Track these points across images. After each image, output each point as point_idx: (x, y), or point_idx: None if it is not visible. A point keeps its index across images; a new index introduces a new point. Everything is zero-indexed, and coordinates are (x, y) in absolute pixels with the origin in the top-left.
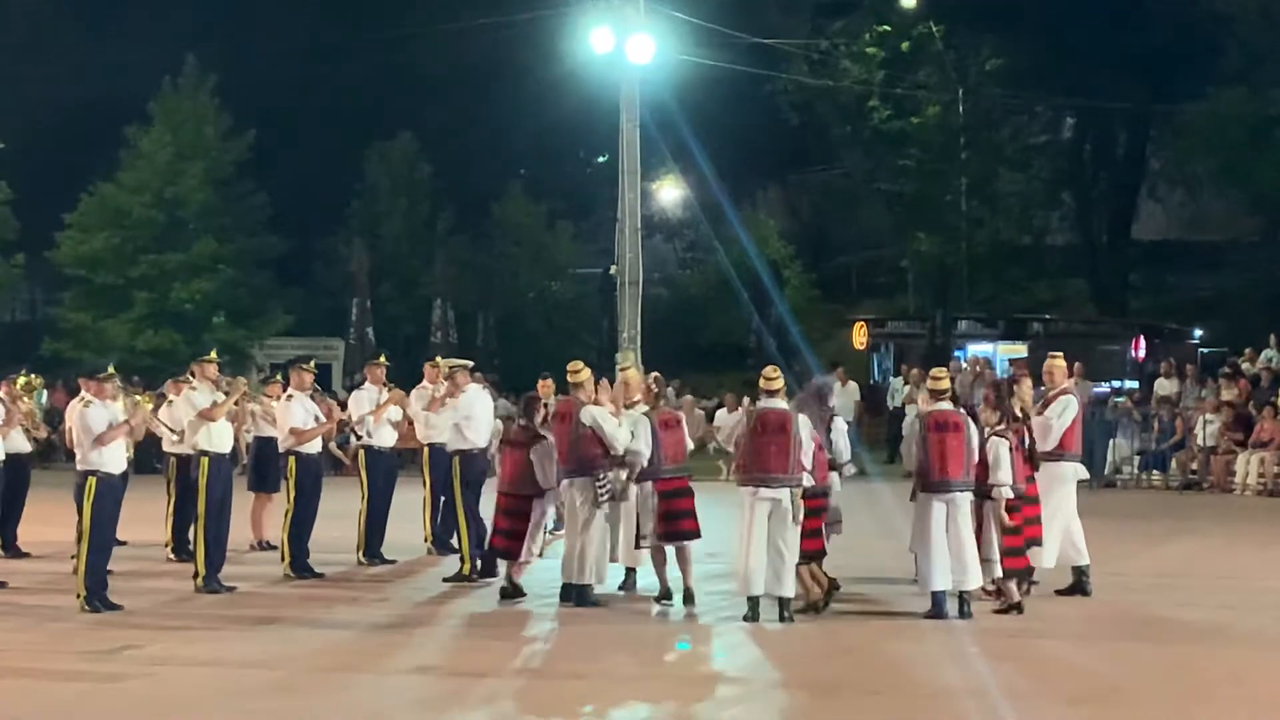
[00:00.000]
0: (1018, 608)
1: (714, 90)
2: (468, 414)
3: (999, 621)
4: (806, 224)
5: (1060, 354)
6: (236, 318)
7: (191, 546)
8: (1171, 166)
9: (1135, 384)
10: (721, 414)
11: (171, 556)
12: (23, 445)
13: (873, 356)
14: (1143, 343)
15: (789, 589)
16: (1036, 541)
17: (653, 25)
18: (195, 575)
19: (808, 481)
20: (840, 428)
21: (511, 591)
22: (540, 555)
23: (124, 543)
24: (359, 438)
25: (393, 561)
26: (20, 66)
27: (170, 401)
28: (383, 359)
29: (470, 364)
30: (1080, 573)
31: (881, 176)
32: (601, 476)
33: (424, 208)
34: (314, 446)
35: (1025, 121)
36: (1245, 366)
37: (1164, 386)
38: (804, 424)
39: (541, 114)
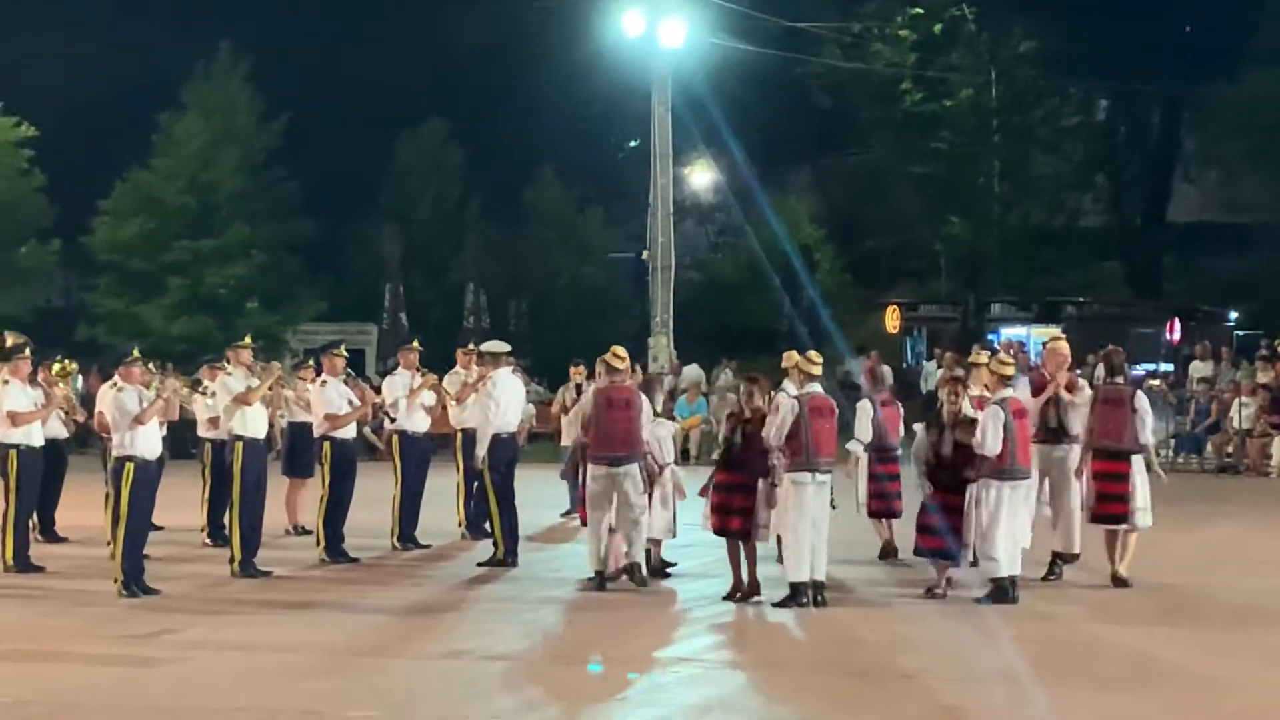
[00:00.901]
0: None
1: (745, 74)
2: (496, 398)
3: (1031, 605)
4: (838, 207)
5: (1062, 336)
6: (269, 303)
7: (227, 531)
8: (1205, 148)
9: (1170, 367)
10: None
11: (207, 541)
12: (59, 430)
13: (905, 340)
14: (1177, 325)
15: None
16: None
17: (684, 9)
18: (231, 560)
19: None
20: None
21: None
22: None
23: (160, 527)
24: (392, 421)
25: (427, 546)
26: (54, 53)
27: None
28: (415, 344)
29: (508, 348)
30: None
31: (913, 160)
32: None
33: (455, 192)
34: (348, 431)
35: (1058, 104)
36: None
37: (1199, 369)
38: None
39: (573, 98)
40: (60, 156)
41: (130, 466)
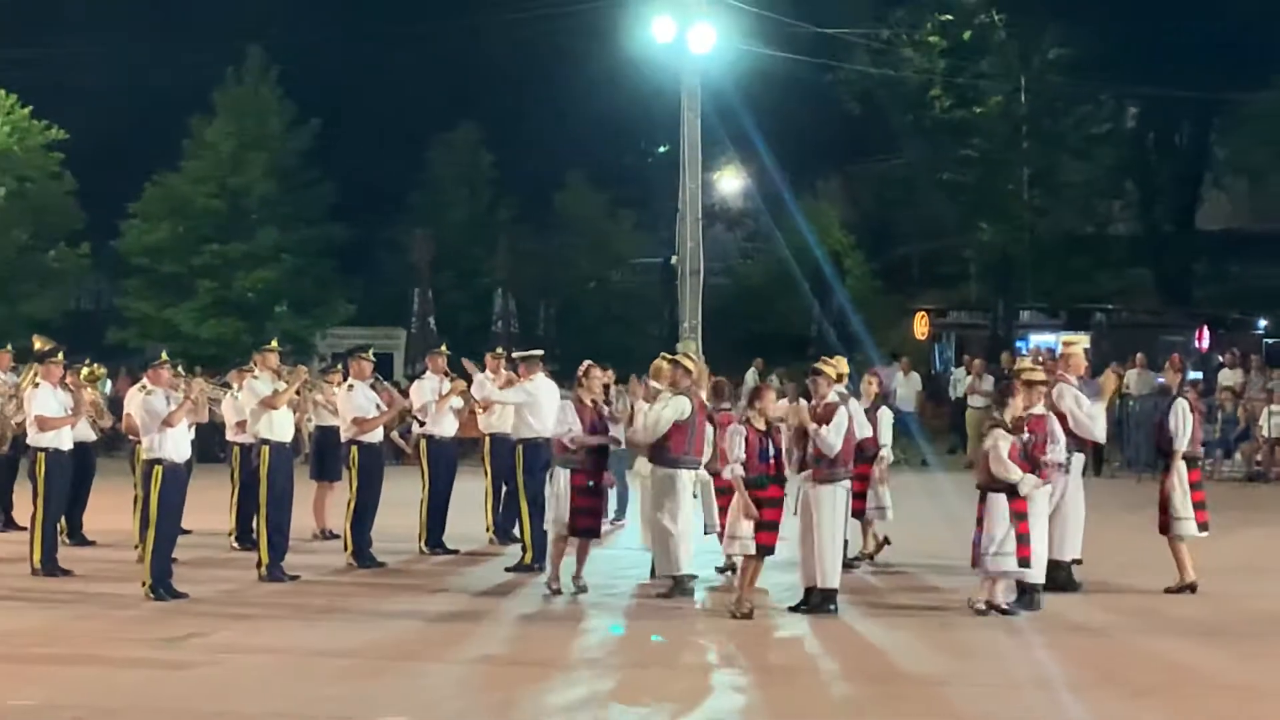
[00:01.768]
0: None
1: (774, 80)
2: (532, 402)
3: (1061, 613)
4: (867, 214)
5: (1076, 340)
6: (299, 307)
7: (255, 535)
8: (1235, 155)
9: (1199, 375)
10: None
11: (235, 545)
12: (88, 434)
13: (934, 346)
14: (1207, 333)
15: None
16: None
17: (714, 15)
18: (258, 564)
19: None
20: (886, 417)
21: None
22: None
23: (188, 531)
24: (420, 426)
25: (455, 551)
26: (84, 57)
27: (234, 393)
28: (444, 348)
29: (540, 353)
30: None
31: (943, 166)
32: None
33: (485, 197)
34: (376, 435)
35: (1088, 110)
36: None
37: (1228, 377)
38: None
39: (602, 104)
40: (91, 160)
41: (159, 469)
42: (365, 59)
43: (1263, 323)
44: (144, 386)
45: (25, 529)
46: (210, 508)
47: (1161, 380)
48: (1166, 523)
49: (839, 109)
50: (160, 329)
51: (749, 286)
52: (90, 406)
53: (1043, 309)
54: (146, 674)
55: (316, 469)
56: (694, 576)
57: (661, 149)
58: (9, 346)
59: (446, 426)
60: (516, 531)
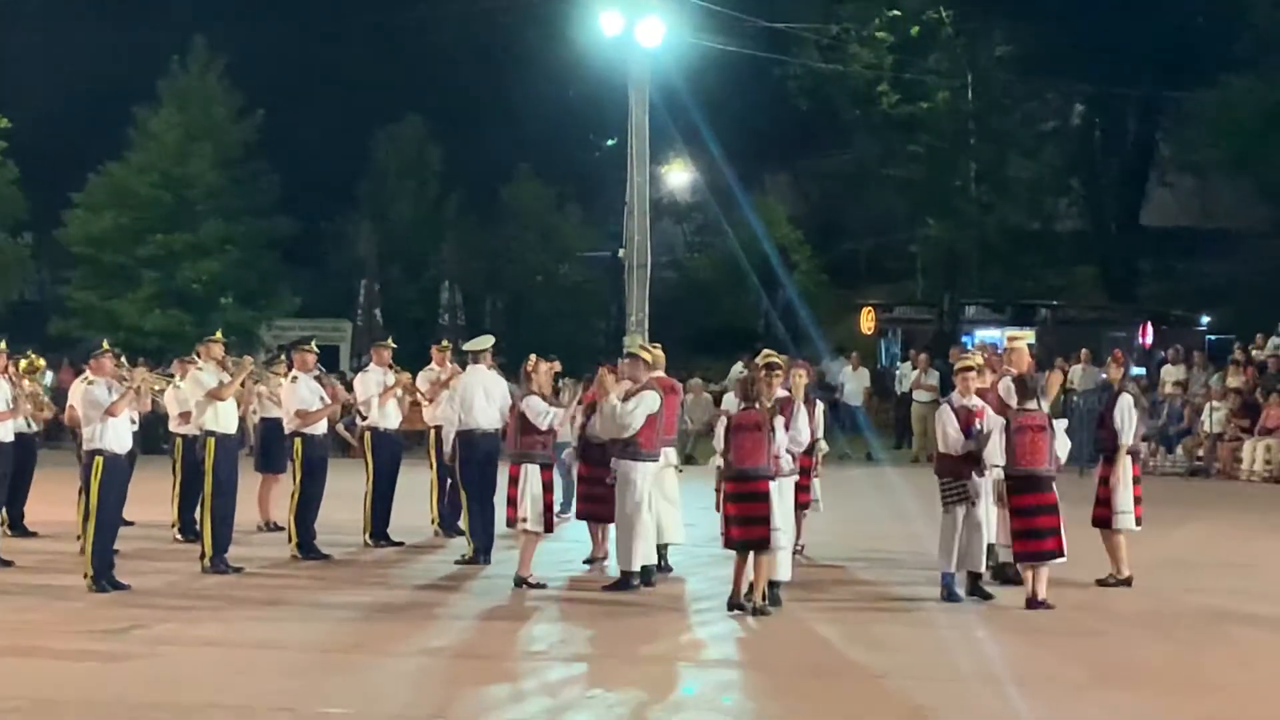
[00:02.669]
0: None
1: (723, 74)
2: (466, 395)
3: (1003, 607)
4: (816, 208)
5: (1021, 336)
6: (244, 299)
7: (198, 527)
8: (1181, 153)
9: (1143, 371)
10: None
11: (178, 537)
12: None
13: (880, 342)
14: (1150, 329)
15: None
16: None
17: (662, 8)
18: (202, 556)
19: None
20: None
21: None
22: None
23: (130, 523)
24: (363, 419)
25: (400, 544)
26: (29, 45)
27: (177, 383)
28: (389, 341)
29: (490, 342)
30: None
31: (891, 162)
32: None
33: (432, 190)
34: (319, 428)
35: (1035, 107)
36: (1253, 353)
37: (1171, 373)
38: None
39: (551, 96)
40: (34, 149)
41: (100, 460)
42: (312, 50)
43: (1206, 320)
44: (87, 378)
45: None
46: (153, 499)
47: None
48: (1106, 516)
49: (788, 104)
50: (104, 320)
51: (697, 280)
52: (30, 399)
53: (989, 304)
54: (87, 666)
55: (261, 461)
56: (648, 571)
57: (610, 142)
58: None
59: (390, 419)
60: (461, 524)
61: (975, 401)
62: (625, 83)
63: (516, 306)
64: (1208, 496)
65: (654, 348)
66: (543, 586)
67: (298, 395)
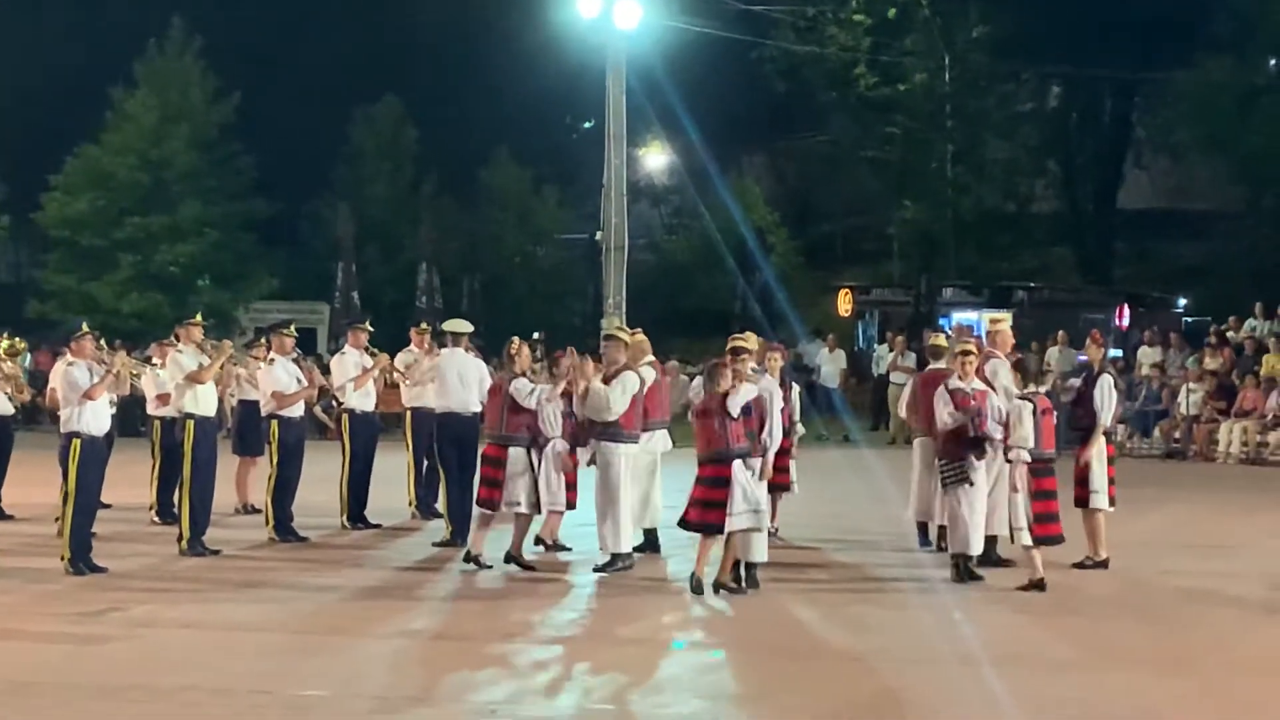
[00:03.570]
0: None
1: (701, 56)
2: (442, 377)
3: (981, 588)
4: (792, 190)
5: (1002, 318)
6: (222, 281)
7: (176, 509)
8: (1157, 135)
9: (1119, 352)
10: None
11: (156, 519)
12: (5, 407)
13: (858, 324)
14: (1126, 311)
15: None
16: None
17: None
18: (179, 538)
19: None
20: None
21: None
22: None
23: (108, 505)
24: (339, 403)
25: (377, 526)
26: (4, 28)
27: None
28: (366, 323)
29: (469, 328)
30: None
31: (868, 143)
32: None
33: (409, 172)
34: (297, 410)
35: (1011, 89)
36: (1230, 335)
37: (1147, 355)
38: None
39: (528, 78)
40: (10, 131)
41: (77, 443)
42: (288, 31)
43: (1182, 301)
44: (67, 360)
45: None
46: (131, 482)
47: (1083, 357)
48: (1085, 496)
49: (765, 86)
50: (81, 302)
51: (674, 262)
52: (8, 381)
53: (965, 286)
54: (64, 648)
55: (239, 444)
56: (632, 554)
57: (587, 124)
58: None
59: (366, 401)
60: (439, 506)
61: (976, 384)
62: (602, 65)
63: (494, 288)
64: (1184, 478)
65: (635, 332)
66: (532, 569)
67: (274, 378)
